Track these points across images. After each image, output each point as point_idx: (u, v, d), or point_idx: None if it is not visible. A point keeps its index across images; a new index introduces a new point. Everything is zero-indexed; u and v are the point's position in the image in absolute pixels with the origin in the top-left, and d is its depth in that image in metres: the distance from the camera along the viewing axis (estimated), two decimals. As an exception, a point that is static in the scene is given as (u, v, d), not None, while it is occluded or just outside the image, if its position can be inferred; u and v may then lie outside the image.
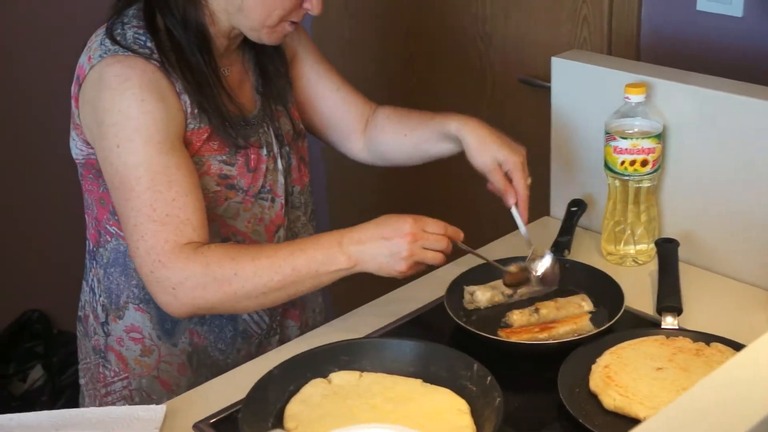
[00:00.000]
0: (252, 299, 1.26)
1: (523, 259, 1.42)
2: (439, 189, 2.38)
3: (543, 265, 1.39)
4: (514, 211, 1.40)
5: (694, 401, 0.77)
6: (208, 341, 1.42)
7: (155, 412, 1.17)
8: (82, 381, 1.50)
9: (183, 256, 1.23)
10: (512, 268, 1.40)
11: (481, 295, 1.40)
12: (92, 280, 1.44)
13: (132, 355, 1.42)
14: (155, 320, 1.39)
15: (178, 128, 1.28)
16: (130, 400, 1.43)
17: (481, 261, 1.41)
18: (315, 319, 1.56)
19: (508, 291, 1.40)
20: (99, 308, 1.43)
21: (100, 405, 1.44)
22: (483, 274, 1.44)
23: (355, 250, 1.25)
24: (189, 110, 1.30)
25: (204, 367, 1.43)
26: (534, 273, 1.38)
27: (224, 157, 1.34)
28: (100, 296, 1.43)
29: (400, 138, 1.55)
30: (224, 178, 1.34)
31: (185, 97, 1.30)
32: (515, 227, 1.43)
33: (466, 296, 1.40)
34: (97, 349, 1.45)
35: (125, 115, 1.25)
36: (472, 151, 1.43)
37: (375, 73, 2.45)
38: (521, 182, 1.40)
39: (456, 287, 1.41)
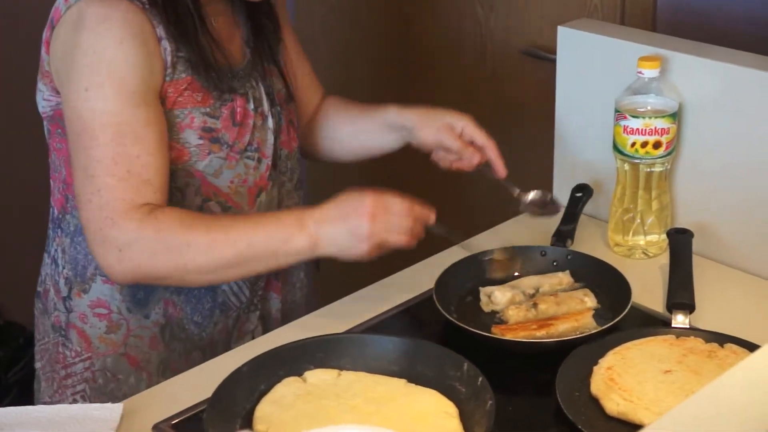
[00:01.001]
0: (203, 274, 1.30)
1: (510, 248, 1.47)
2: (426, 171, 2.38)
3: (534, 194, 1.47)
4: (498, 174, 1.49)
5: (702, 405, 0.78)
6: (184, 313, 1.44)
7: (111, 411, 1.18)
8: (38, 365, 1.52)
9: (136, 217, 1.27)
10: (497, 254, 1.42)
11: (501, 296, 1.39)
12: (55, 250, 1.45)
13: (96, 332, 1.43)
14: (126, 291, 1.41)
15: (154, 79, 1.31)
16: (92, 382, 1.45)
17: (478, 250, 1.43)
18: (295, 295, 1.58)
19: (530, 290, 1.41)
20: (62, 281, 1.45)
21: (59, 389, 1.47)
22: (484, 264, 1.45)
23: (315, 230, 1.28)
24: (169, 58, 1.32)
25: (177, 341, 1.45)
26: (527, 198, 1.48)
27: (208, 109, 1.36)
28: (63, 268, 1.44)
29: (342, 128, 1.61)
30: (208, 131, 1.36)
31: (166, 44, 1.32)
32: (502, 219, 1.45)
33: (483, 298, 1.41)
34: (56, 326, 1.46)
35: (100, 57, 1.27)
36: (416, 127, 1.50)
37: (363, 36, 2.44)
38: (482, 134, 1.48)
39: (450, 277, 1.42)
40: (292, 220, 1.29)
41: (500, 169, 1.48)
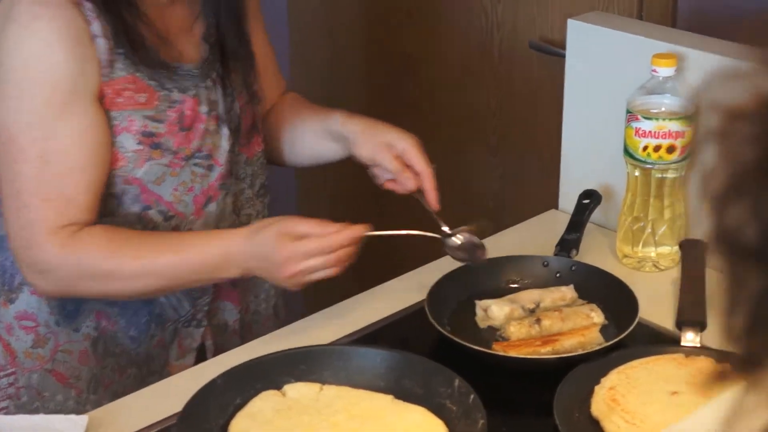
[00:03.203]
0: (130, 296, 1.41)
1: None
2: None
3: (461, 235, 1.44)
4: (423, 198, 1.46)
5: (704, 426, 0.81)
6: (118, 326, 1.45)
7: (75, 423, 1.20)
8: None
9: (58, 242, 1.33)
10: (459, 237, 1.44)
11: (498, 311, 1.42)
12: None
13: (22, 346, 1.45)
14: (54, 303, 1.43)
15: (89, 82, 1.33)
16: (16, 399, 1.46)
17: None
18: (259, 305, 1.60)
19: (530, 305, 1.43)
20: None
21: None
22: (481, 274, 1.48)
23: (243, 267, 1.37)
24: (105, 57, 1.34)
25: (111, 356, 1.46)
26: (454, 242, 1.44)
27: (151, 112, 1.38)
28: None
29: (291, 130, 1.63)
30: (148, 136, 1.38)
31: (101, 41, 1.33)
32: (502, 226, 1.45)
33: (479, 312, 1.43)
34: None
35: (26, 64, 1.30)
36: (357, 139, 1.51)
37: (365, 26, 2.47)
38: (421, 160, 1.47)
39: (443, 288, 1.44)
40: (219, 253, 1.36)
41: (432, 201, 1.47)
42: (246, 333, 1.54)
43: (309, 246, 1.33)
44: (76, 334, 1.45)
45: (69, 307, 1.44)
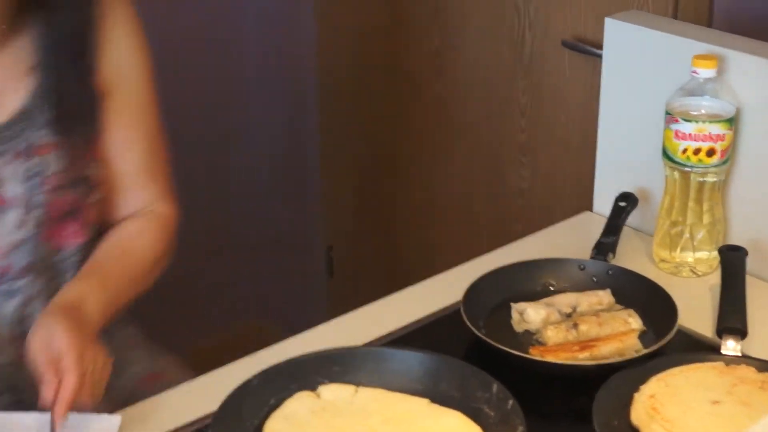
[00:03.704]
0: None
1: None
2: (434, 178, 2.40)
3: None
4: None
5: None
6: None
7: (109, 422, 1.20)
8: None
9: None
10: None
11: (534, 315, 1.40)
12: None
13: None
14: None
15: None
16: None
17: (510, 260, 1.45)
18: None
19: (567, 309, 1.42)
20: None
21: None
22: (517, 277, 1.46)
23: None
24: None
25: None
26: None
27: None
28: None
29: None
30: None
31: None
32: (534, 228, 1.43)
33: (515, 315, 1.42)
34: None
35: None
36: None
37: (393, 28, 2.46)
38: (70, 379, 1.14)
39: (478, 290, 1.42)
40: None
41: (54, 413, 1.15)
42: None
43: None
44: None
45: None
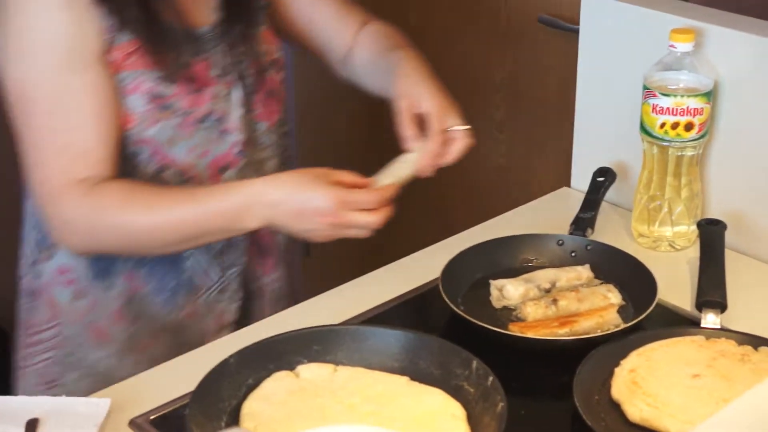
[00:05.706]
0: (152, 250, 1.40)
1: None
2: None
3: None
4: (408, 158, 1.37)
5: (736, 417, 0.79)
6: (148, 289, 1.47)
7: (97, 406, 1.19)
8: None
9: (75, 195, 1.34)
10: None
11: (513, 291, 1.40)
12: (29, 212, 1.51)
13: (63, 299, 1.48)
14: (87, 259, 1.45)
15: (90, 43, 1.34)
16: (59, 350, 1.49)
17: (488, 237, 1.46)
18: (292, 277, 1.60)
19: (546, 284, 1.42)
20: (32, 245, 1.50)
21: (28, 355, 1.52)
22: (495, 253, 1.46)
23: (266, 215, 1.34)
24: (107, 21, 1.34)
25: (143, 319, 1.48)
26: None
27: (162, 73, 1.38)
28: (33, 231, 1.50)
29: (366, 65, 1.58)
30: (157, 97, 1.38)
31: (102, 6, 1.33)
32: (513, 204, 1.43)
33: (494, 292, 1.42)
34: (27, 291, 1.52)
35: (30, 23, 1.31)
36: (395, 77, 1.45)
37: (368, 3, 2.44)
38: (434, 129, 1.37)
39: (457, 266, 1.42)
40: (239, 201, 1.34)
41: (419, 167, 1.37)
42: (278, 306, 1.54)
43: (362, 197, 1.31)
44: (109, 291, 1.46)
45: (100, 265, 1.45)
